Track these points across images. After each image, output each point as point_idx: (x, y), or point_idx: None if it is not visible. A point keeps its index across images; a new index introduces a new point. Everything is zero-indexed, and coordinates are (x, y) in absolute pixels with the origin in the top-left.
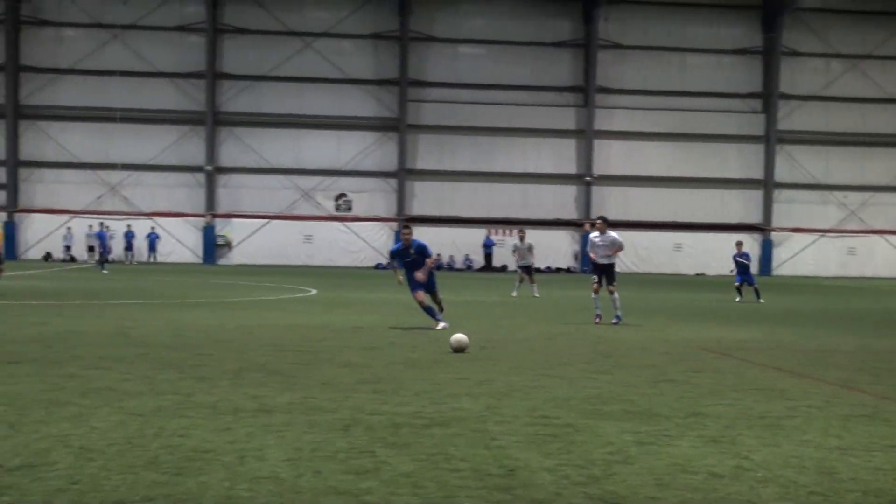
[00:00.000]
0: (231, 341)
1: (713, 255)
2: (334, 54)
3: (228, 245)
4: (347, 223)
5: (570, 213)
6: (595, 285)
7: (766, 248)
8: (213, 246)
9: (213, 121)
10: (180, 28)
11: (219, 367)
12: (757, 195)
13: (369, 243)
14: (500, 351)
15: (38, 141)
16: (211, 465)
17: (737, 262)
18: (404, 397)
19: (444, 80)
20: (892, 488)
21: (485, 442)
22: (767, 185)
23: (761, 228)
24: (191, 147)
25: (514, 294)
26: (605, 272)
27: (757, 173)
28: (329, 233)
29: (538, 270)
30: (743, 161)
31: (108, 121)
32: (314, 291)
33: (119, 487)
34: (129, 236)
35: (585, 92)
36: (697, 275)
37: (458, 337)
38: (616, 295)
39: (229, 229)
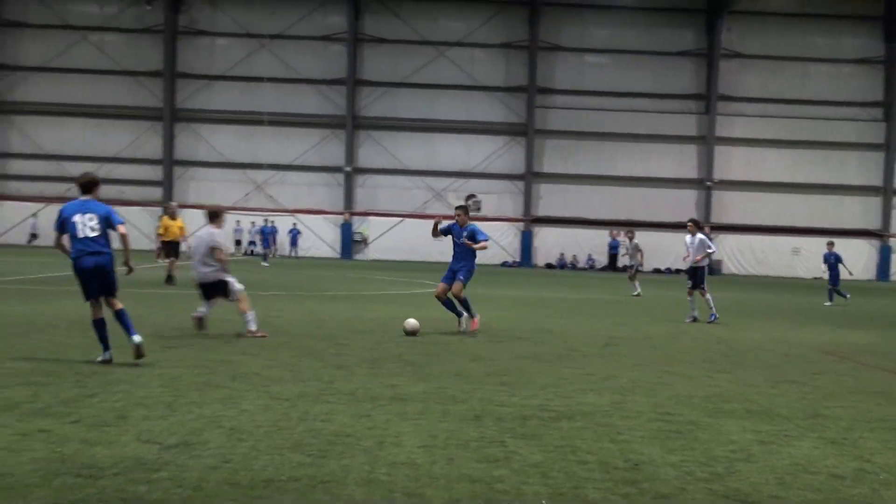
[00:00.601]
0: (368, 332)
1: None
2: (466, 62)
3: (364, 241)
4: (476, 222)
5: (689, 217)
6: (689, 288)
7: (885, 254)
8: (350, 242)
9: (353, 124)
10: (324, 38)
11: (357, 356)
12: (876, 202)
13: (497, 242)
14: (623, 348)
15: (192, 141)
16: (352, 450)
17: (828, 262)
18: (531, 390)
19: (570, 88)
20: None
21: (610, 436)
22: (887, 191)
23: (880, 234)
24: (331, 149)
25: (636, 293)
26: (694, 275)
27: (876, 180)
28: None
29: (658, 271)
30: (862, 168)
31: (255, 124)
32: None
33: (267, 467)
34: (267, 231)
35: (707, 99)
36: (815, 279)
37: (411, 322)
38: (708, 296)
39: (366, 226)
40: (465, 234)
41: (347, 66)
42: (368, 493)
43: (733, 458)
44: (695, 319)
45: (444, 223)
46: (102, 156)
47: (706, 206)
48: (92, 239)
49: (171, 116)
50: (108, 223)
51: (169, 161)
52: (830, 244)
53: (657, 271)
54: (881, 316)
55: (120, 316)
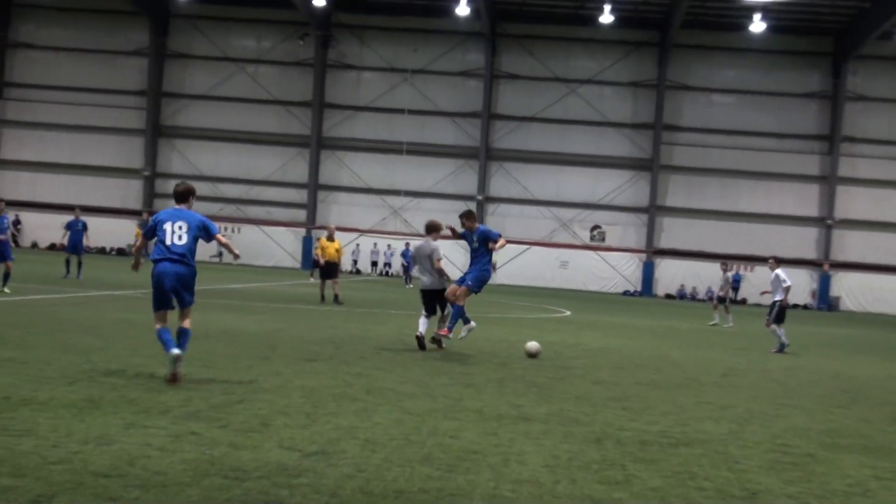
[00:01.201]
0: (494, 353)
1: None
2: (596, 99)
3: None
4: (600, 252)
5: (810, 254)
6: (771, 319)
7: None
8: None
9: (486, 155)
10: (462, 73)
11: (484, 375)
12: None
13: (619, 271)
14: (741, 378)
15: (335, 168)
16: (478, 466)
17: None
18: (651, 416)
19: (696, 126)
20: None
21: (727, 464)
22: None
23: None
24: (465, 178)
25: (727, 324)
26: (771, 308)
27: None
28: (583, 260)
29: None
30: None
31: (395, 152)
32: (568, 313)
33: (398, 479)
34: (406, 255)
35: (830, 140)
36: None
37: (532, 345)
38: (773, 327)
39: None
40: (475, 237)
41: (483, 100)
42: None
43: (850, 492)
44: (783, 348)
45: (460, 230)
46: (253, 179)
47: (826, 243)
48: (178, 247)
49: (317, 144)
50: (205, 232)
51: (314, 185)
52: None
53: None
54: None
55: (182, 334)
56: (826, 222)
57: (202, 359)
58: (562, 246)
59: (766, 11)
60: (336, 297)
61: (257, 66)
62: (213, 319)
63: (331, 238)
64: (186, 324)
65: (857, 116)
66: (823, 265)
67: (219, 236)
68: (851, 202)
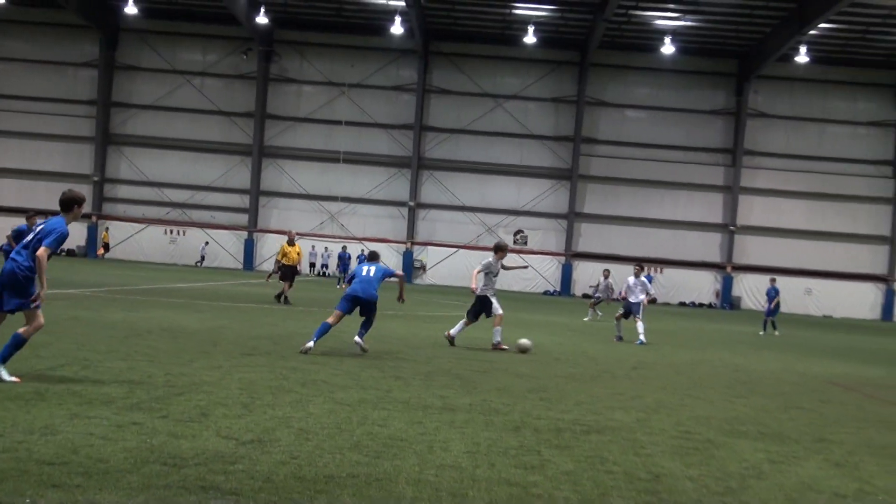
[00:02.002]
0: (422, 348)
1: (840, 300)
2: (520, 113)
3: (423, 268)
4: (523, 255)
5: (714, 257)
6: (619, 314)
7: (889, 297)
8: (411, 268)
9: (418, 165)
10: (396, 88)
11: (412, 369)
12: (884, 249)
13: (540, 273)
14: (650, 371)
15: (276, 175)
16: (404, 452)
17: (769, 296)
18: (566, 406)
19: (612, 139)
20: None
21: (635, 449)
22: (893, 241)
23: (885, 279)
24: (397, 185)
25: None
26: (633, 308)
27: (885, 230)
28: (507, 262)
29: (683, 304)
30: (872, 219)
31: (332, 161)
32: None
33: (329, 465)
34: (343, 257)
35: (733, 153)
36: (825, 316)
37: (524, 342)
38: (639, 325)
39: (425, 255)
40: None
41: (415, 113)
42: (417, 492)
43: (746, 474)
44: (620, 339)
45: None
46: (198, 184)
47: (729, 247)
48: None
49: (259, 152)
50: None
51: (255, 191)
52: (773, 280)
53: (682, 304)
54: (886, 353)
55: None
56: (729, 228)
57: (146, 354)
58: (488, 249)
59: (676, 35)
60: (286, 298)
61: (203, 78)
62: (156, 317)
63: (291, 243)
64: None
65: (757, 132)
66: (726, 267)
67: (39, 251)
68: (751, 210)
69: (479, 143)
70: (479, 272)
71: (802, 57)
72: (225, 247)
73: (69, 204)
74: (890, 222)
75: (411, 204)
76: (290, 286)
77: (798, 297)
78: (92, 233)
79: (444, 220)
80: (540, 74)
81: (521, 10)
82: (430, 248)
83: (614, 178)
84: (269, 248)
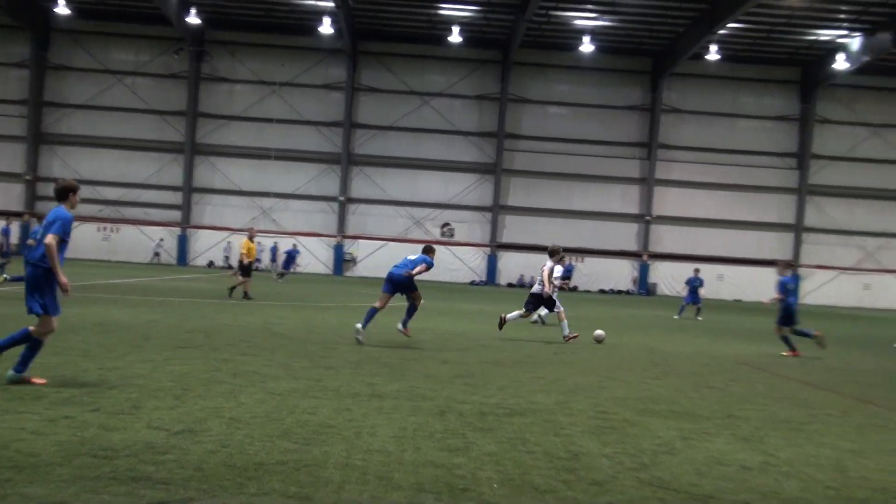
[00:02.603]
0: (352, 338)
1: (750, 285)
2: (447, 110)
3: (354, 261)
4: (450, 247)
5: (632, 246)
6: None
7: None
8: (341, 261)
9: (348, 161)
10: (325, 86)
11: (342, 358)
12: (789, 237)
13: (466, 263)
14: (570, 356)
15: (209, 172)
16: (333, 439)
17: (690, 285)
18: (490, 390)
19: (534, 134)
20: (893, 487)
21: (555, 430)
22: (798, 228)
23: (791, 264)
24: (328, 181)
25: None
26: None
27: (790, 219)
28: (436, 255)
29: (602, 292)
30: (779, 208)
31: (264, 158)
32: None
33: (259, 452)
34: (274, 250)
35: (649, 147)
36: (735, 301)
37: (599, 333)
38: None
39: (355, 248)
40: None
41: (345, 111)
42: (345, 476)
43: (659, 451)
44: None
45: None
46: (131, 182)
47: (645, 237)
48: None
49: (191, 150)
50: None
51: (188, 188)
52: (696, 270)
53: (602, 291)
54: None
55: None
56: (645, 218)
57: (79, 349)
58: (416, 241)
59: (594, 34)
60: (246, 293)
61: (135, 78)
62: (89, 313)
63: (252, 240)
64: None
65: (671, 126)
66: (643, 256)
67: (47, 238)
68: (666, 200)
69: (407, 139)
70: (551, 276)
71: (713, 55)
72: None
73: (64, 193)
74: (795, 211)
75: (342, 199)
76: (248, 282)
77: (710, 282)
78: (25, 231)
79: (373, 215)
80: (465, 73)
81: (446, 11)
82: (360, 241)
83: (537, 172)
84: (203, 244)
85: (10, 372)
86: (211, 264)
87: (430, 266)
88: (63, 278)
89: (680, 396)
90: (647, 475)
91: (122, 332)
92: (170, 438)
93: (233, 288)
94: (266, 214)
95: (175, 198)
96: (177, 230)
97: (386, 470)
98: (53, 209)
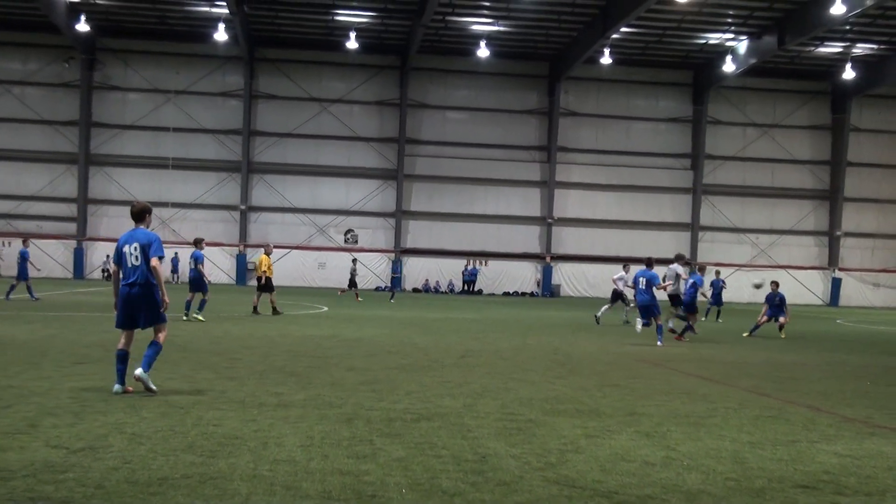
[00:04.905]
0: (257, 348)
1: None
2: (346, 116)
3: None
4: (354, 253)
5: (534, 248)
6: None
7: (695, 279)
8: (244, 270)
9: (248, 169)
10: (223, 94)
11: (247, 368)
12: (685, 235)
13: (371, 270)
14: (477, 359)
15: (104, 183)
16: (239, 450)
17: (714, 287)
18: (397, 396)
19: (435, 139)
20: (792, 475)
21: (462, 433)
22: (694, 227)
23: (688, 262)
24: (228, 190)
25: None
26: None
27: (686, 218)
28: (339, 261)
29: (507, 294)
30: (675, 208)
31: (161, 167)
32: (326, 309)
33: (163, 467)
34: (175, 261)
35: (548, 150)
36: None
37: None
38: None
39: (258, 257)
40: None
41: (243, 118)
42: (252, 488)
43: (564, 450)
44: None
45: None
46: (22, 194)
47: (547, 239)
48: (131, 269)
49: (85, 161)
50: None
51: (83, 200)
52: (717, 272)
53: (507, 294)
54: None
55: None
56: (547, 221)
57: None
58: (319, 249)
59: (491, 39)
60: (275, 308)
61: (24, 87)
62: None
63: (268, 254)
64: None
65: (569, 129)
66: (546, 258)
67: (153, 262)
68: (567, 202)
69: (307, 146)
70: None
71: (607, 59)
72: (53, 256)
73: (142, 214)
74: (690, 210)
75: (243, 207)
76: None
77: (611, 281)
78: None
79: (276, 223)
80: (363, 78)
81: (343, 17)
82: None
83: (439, 177)
84: (100, 256)
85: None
86: (107, 275)
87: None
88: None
89: (584, 395)
90: (553, 474)
91: (18, 349)
92: (69, 456)
93: (274, 309)
94: (165, 224)
95: (69, 210)
96: (72, 243)
97: (293, 479)
98: (139, 231)
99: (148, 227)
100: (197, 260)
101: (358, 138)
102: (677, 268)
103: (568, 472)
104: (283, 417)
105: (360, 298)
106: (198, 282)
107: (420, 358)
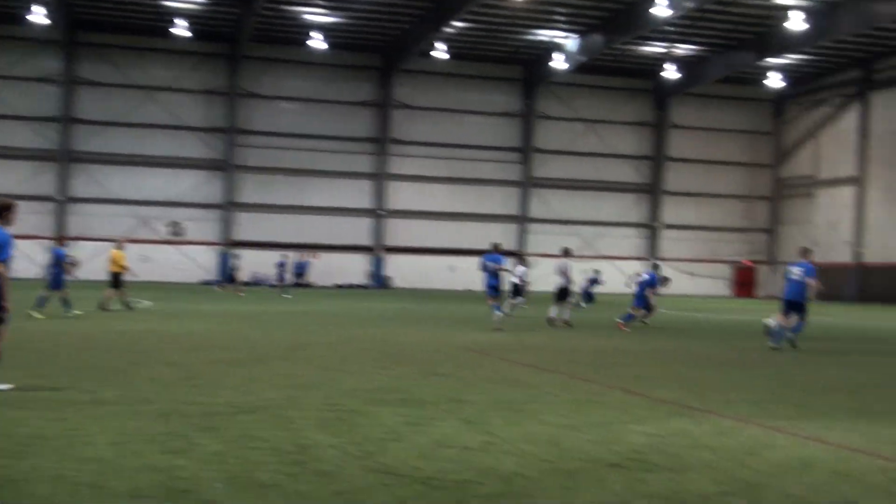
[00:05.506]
0: (72, 345)
1: (480, 275)
2: (173, 105)
3: (74, 264)
4: (181, 246)
5: (366, 240)
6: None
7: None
8: (64, 265)
9: (68, 158)
10: (39, 80)
11: (59, 365)
12: (515, 227)
13: (198, 263)
14: (305, 352)
15: None
16: (43, 450)
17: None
18: (219, 390)
19: (266, 130)
20: (604, 456)
21: (283, 425)
22: (523, 219)
23: (519, 254)
24: (45, 181)
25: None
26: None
27: (515, 210)
28: (164, 254)
29: (339, 287)
30: (505, 200)
31: None
32: (150, 303)
33: None
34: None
35: (381, 142)
36: (466, 290)
37: None
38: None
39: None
40: None
41: (62, 105)
42: (54, 489)
43: (385, 438)
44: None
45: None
46: None
47: (379, 231)
48: None
49: None
50: None
51: None
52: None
53: (338, 286)
54: (515, 320)
55: None
56: (378, 213)
57: None
58: (143, 242)
59: (324, 29)
60: (105, 306)
61: None
62: None
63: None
64: None
65: (403, 122)
66: (376, 249)
67: None
68: (399, 195)
69: (131, 135)
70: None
71: (440, 53)
72: None
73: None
74: (520, 202)
75: (61, 199)
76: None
77: (444, 273)
78: None
79: (97, 215)
80: (192, 66)
81: (171, 2)
82: (83, 243)
83: (271, 168)
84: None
85: None
86: None
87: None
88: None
89: (409, 385)
90: (372, 462)
91: None
92: None
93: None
94: None
95: None
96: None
97: (100, 478)
98: None
99: (8, 224)
100: (59, 257)
101: (185, 127)
102: (567, 263)
103: (387, 460)
104: (95, 415)
105: (242, 293)
106: (57, 279)
107: (246, 352)
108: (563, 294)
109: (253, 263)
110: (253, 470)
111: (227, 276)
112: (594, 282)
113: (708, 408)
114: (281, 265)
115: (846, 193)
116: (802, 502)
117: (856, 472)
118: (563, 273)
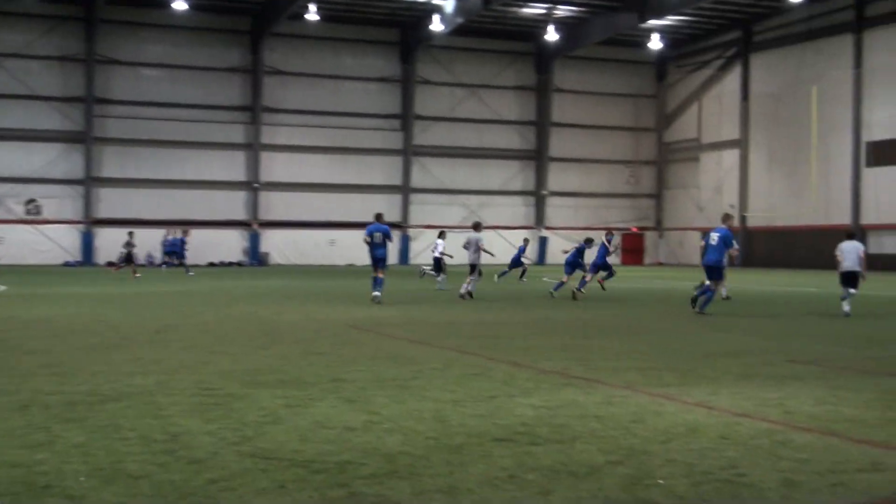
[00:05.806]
0: None
1: (363, 249)
2: (24, 73)
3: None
4: (37, 226)
5: (240, 215)
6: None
7: (404, 243)
8: None
9: None
10: None
11: None
12: (397, 198)
13: (58, 243)
14: (174, 333)
15: None
16: None
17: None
18: (82, 377)
19: (128, 99)
20: (490, 430)
21: (153, 413)
22: (405, 189)
23: (401, 226)
24: None
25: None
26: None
27: (397, 180)
28: (19, 235)
29: (212, 265)
30: (386, 170)
31: None
32: (4, 288)
33: None
34: None
35: (253, 111)
36: (348, 265)
37: None
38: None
39: None
40: None
41: None
42: None
43: (263, 422)
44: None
45: None
46: None
47: (254, 205)
48: None
49: None
50: None
51: None
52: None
53: (212, 264)
54: (399, 295)
55: None
56: (253, 186)
57: None
58: None
59: None
60: None
61: None
62: None
63: None
64: None
65: (276, 89)
66: (252, 224)
67: None
68: (274, 166)
69: None
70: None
71: (312, 15)
72: None
73: None
74: (401, 172)
75: None
76: None
77: (323, 248)
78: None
79: None
80: (42, 31)
81: None
82: None
83: (133, 140)
84: None
85: None
86: None
87: None
88: None
89: (287, 365)
90: (249, 447)
91: None
92: None
93: None
94: None
95: None
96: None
97: None
98: None
99: None
100: None
101: (38, 97)
102: (476, 236)
103: (265, 444)
104: None
105: (137, 274)
106: None
107: (111, 336)
108: (472, 269)
109: (120, 243)
110: (120, 461)
111: (124, 257)
112: (522, 251)
113: (596, 377)
114: (174, 242)
115: (730, 157)
116: (688, 468)
117: (742, 437)
118: (475, 247)
